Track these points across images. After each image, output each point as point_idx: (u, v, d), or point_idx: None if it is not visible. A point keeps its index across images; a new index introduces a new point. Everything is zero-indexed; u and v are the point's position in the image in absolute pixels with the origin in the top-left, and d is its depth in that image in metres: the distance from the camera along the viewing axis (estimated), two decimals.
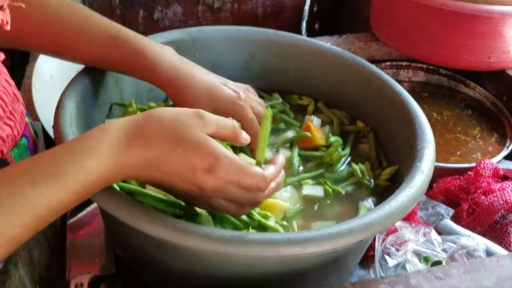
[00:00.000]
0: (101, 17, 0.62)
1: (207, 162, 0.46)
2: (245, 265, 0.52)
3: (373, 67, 0.77)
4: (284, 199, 0.63)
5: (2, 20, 0.44)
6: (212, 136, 0.48)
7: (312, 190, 0.66)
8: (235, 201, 0.49)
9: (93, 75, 0.67)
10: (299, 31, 1.64)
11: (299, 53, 0.83)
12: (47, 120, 0.73)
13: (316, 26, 1.55)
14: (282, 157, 0.54)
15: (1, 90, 0.51)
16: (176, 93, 0.62)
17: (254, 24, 1.58)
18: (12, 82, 0.55)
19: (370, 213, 0.51)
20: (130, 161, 0.44)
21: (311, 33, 1.56)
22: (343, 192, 0.65)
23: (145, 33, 1.56)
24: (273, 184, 0.51)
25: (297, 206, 0.64)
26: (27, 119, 0.59)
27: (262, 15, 1.59)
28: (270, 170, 0.50)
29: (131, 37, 0.61)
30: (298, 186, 0.67)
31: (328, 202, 0.65)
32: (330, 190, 0.65)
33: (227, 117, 0.57)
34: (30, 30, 0.57)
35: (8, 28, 0.45)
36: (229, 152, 0.48)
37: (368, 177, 0.67)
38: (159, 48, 0.62)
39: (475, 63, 0.90)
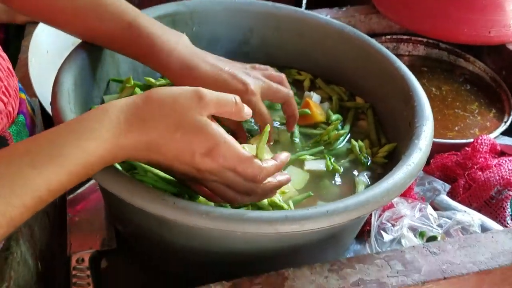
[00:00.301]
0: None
1: (206, 146, 0.46)
2: (243, 241, 0.53)
3: (373, 41, 0.76)
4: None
5: None
6: (214, 115, 0.48)
7: (314, 164, 0.67)
8: (232, 187, 0.50)
9: (90, 50, 0.66)
10: (298, 3, 1.61)
11: (298, 26, 0.82)
12: (44, 96, 0.73)
13: None
14: (286, 155, 0.54)
15: None
16: (180, 78, 0.62)
17: None
18: (5, 56, 0.55)
19: (367, 190, 0.52)
20: (130, 143, 0.45)
21: (310, 5, 1.53)
22: (341, 170, 0.65)
23: (142, 4, 1.54)
24: (273, 181, 0.52)
25: (302, 184, 0.64)
26: (23, 95, 0.58)
27: None
28: (269, 163, 0.50)
29: (147, 28, 0.61)
30: (300, 163, 0.67)
31: (329, 177, 0.66)
32: (331, 165, 0.65)
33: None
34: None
35: None
36: (229, 138, 0.48)
37: (366, 155, 0.67)
38: (173, 41, 0.62)
39: (475, 37, 0.89)
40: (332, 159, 0.66)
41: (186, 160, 0.46)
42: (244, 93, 0.61)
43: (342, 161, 0.67)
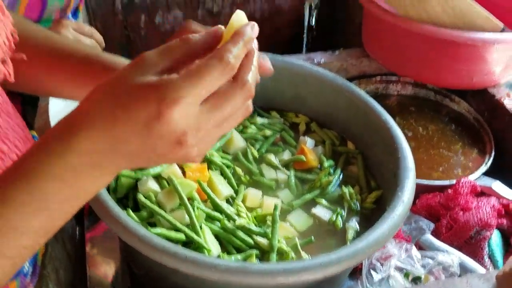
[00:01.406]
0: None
1: (151, 105, 0.36)
2: None
3: (362, 93, 0.83)
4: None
5: (5, 74, 0.46)
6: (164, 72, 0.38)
7: (322, 212, 0.73)
8: (220, 121, 0.39)
9: None
10: (295, 34, 1.69)
11: (293, 76, 0.89)
12: None
13: (314, 33, 1.60)
14: (247, 27, 0.40)
15: (15, 137, 0.50)
16: None
17: None
18: (25, 128, 0.56)
19: (356, 243, 0.59)
20: (79, 149, 0.38)
21: (307, 46, 1.61)
22: (340, 226, 0.71)
23: (147, 37, 1.62)
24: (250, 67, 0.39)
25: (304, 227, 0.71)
26: None
27: (260, 18, 1.63)
28: (230, 48, 0.38)
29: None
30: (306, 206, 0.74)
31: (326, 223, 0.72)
32: (334, 218, 0.71)
33: None
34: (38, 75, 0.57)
35: (12, 79, 0.47)
36: (173, 75, 0.37)
37: (355, 201, 0.74)
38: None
39: (458, 83, 0.97)
40: (339, 216, 0.72)
41: (149, 137, 0.37)
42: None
43: (338, 208, 0.74)
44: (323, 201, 0.74)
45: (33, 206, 0.38)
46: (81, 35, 0.90)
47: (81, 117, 0.38)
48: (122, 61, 0.57)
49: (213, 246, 0.64)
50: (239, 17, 0.42)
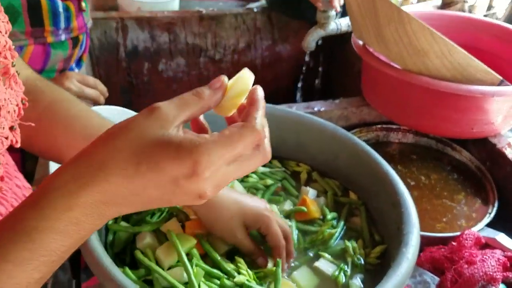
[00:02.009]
0: None
1: (184, 166, 0.37)
2: None
3: (363, 144, 0.83)
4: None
5: (12, 140, 0.46)
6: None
7: (325, 266, 0.71)
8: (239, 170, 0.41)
9: None
10: (295, 80, 1.72)
11: (295, 126, 0.89)
12: None
13: (316, 81, 1.63)
14: (259, 91, 0.44)
15: (13, 197, 0.51)
16: (207, 212, 0.65)
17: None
18: (26, 185, 0.58)
19: None
20: (89, 200, 0.37)
21: (306, 95, 1.64)
22: (343, 281, 0.70)
23: (150, 82, 1.64)
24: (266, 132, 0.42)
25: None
26: None
27: (260, 66, 1.67)
28: (256, 116, 0.41)
29: None
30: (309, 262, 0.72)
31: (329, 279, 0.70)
32: (336, 274, 0.70)
33: (255, 227, 0.64)
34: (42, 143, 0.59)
35: (18, 145, 0.47)
36: (203, 137, 0.38)
37: (359, 256, 0.73)
38: None
39: (459, 133, 0.97)
40: (343, 271, 0.70)
41: (175, 193, 0.38)
42: (265, 210, 0.67)
43: (341, 263, 0.72)
44: (326, 255, 0.72)
45: (35, 262, 0.38)
46: (85, 86, 0.91)
47: (93, 170, 0.37)
48: None
49: None
50: (246, 75, 0.44)
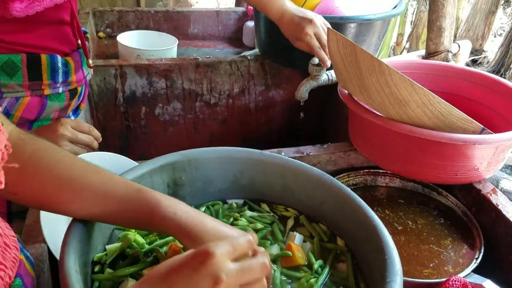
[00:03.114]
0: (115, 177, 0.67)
1: (209, 280, 0.48)
2: None
3: (348, 190, 0.85)
4: None
5: None
6: None
7: None
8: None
9: None
10: (288, 123, 1.75)
11: (282, 171, 0.92)
12: (53, 241, 0.80)
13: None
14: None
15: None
16: (193, 243, 0.65)
17: (247, 117, 1.71)
18: (7, 232, 0.59)
19: None
20: None
21: (295, 139, 1.68)
22: None
23: (147, 126, 1.67)
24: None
25: None
26: (21, 256, 0.62)
27: (254, 109, 1.71)
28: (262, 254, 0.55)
29: (151, 191, 0.67)
30: None
31: None
32: None
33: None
34: (29, 190, 0.62)
35: (2, 186, 0.49)
36: (224, 265, 0.49)
37: None
38: (173, 206, 0.67)
39: (443, 178, 0.99)
40: None
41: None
42: (247, 236, 0.67)
43: None
44: None
45: None
46: (78, 132, 0.94)
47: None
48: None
49: None
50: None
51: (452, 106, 0.89)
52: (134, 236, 0.78)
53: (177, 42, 1.71)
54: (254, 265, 0.53)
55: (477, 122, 0.92)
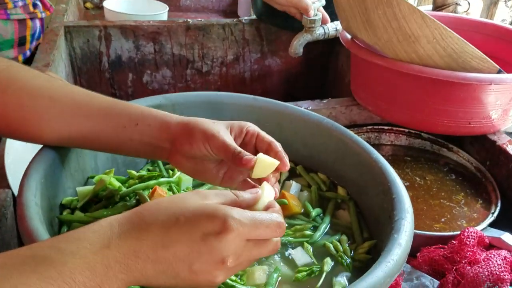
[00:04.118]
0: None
1: (217, 222, 0.42)
2: None
3: (350, 133, 0.76)
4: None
5: None
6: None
7: (300, 256, 0.63)
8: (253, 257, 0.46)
9: None
10: (284, 94, 1.66)
11: (278, 118, 0.83)
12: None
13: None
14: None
15: None
16: (188, 132, 0.59)
17: (241, 87, 1.62)
18: None
19: None
20: (125, 246, 0.40)
21: (296, 96, 1.59)
22: (316, 273, 0.61)
23: (134, 95, 1.58)
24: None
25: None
26: None
27: (249, 79, 1.62)
28: (279, 213, 0.49)
29: (137, 104, 0.63)
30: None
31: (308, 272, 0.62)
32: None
33: (241, 139, 0.59)
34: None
35: None
36: (236, 208, 0.45)
37: (342, 254, 0.64)
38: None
39: (455, 128, 0.90)
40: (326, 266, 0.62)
41: (201, 249, 0.41)
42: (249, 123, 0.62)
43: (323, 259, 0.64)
44: (308, 246, 0.64)
45: (55, 286, 0.37)
46: None
47: (137, 220, 0.42)
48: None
49: None
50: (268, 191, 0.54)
51: (467, 42, 0.80)
52: (110, 179, 0.68)
53: (167, 8, 1.62)
54: (263, 251, 0.47)
55: (493, 62, 0.83)
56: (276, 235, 0.47)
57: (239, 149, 0.56)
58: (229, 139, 0.58)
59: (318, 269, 0.61)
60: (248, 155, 0.55)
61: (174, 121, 0.60)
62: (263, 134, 0.61)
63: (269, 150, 0.59)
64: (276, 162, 0.57)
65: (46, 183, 0.60)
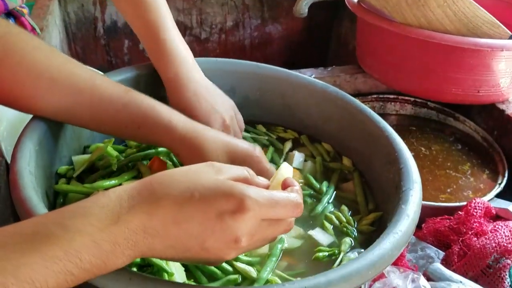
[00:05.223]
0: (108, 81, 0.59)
1: (233, 202, 0.40)
2: None
3: (356, 101, 0.73)
4: None
5: None
6: None
7: (322, 237, 0.62)
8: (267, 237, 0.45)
9: None
10: (286, 63, 1.62)
11: (281, 87, 0.80)
12: None
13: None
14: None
15: None
16: (191, 151, 0.57)
17: (241, 55, 1.58)
18: None
19: (350, 263, 0.47)
20: (134, 221, 0.38)
21: (297, 65, 1.55)
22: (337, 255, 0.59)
23: (131, 63, 1.54)
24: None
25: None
26: None
27: (249, 47, 1.57)
28: (299, 194, 0.46)
29: (141, 94, 0.59)
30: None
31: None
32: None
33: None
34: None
35: None
36: (253, 187, 0.43)
37: (347, 224, 0.62)
38: (168, 108, 0.59)
39: (463, 96, 0.87)
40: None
41: (215, 227, 0.40)
42: (254, 152, 0.59)
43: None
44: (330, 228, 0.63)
45: (60, 264, 0.35)
46: None
47: (147, 193, 0.39)
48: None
49: (176, 270, 0.52)
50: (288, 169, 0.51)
51: (479, 6, 0.77)
52: (106, 147, 0.66)
53: None
54: (277, 231, 0.45)
55: (505, 28, 0.80)
56: (293, 216, 0.45)
57: None
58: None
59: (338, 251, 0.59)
60: None
61: (179, 133, 0.57)
62: (264, 164, 0.59)
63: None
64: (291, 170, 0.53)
65: (41, 151, 0.57)
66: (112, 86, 0.58)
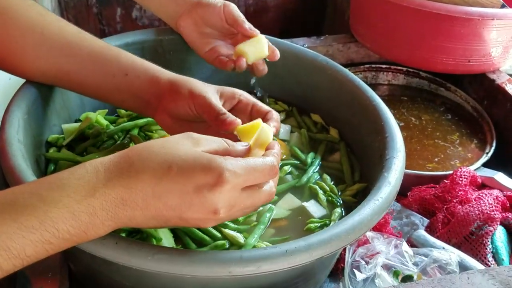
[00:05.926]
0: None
1: (211, 175, 0.40)
2: (198, 285, 0.49)
3: (345, 71, 0.74)
4: None
5: None
6: None
7: (316, 209, 0.63)
8: (251, 204, 0.45)
9: None
10: (282, 32, 1.61)
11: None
12: None
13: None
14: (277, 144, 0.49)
15: None
16: (177, 95, 0.56)
17: None
18: None
19: (331, 228, 0.48)
20: (112, 194, 0.39)
21: (293, 34, 1.53)
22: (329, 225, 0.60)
23: (123, 31, 1.52)
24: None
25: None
26: None
27: (244, 15, 1.55)
28: (275, 155, 0.46)
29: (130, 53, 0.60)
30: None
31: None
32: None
33: (231, 105, 0.56)
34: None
35: None
36: (229, 157, 0.43)
37: (333, 195, 0.63)
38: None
39: (454, 66, 0.87)
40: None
41: (194, 200, 0.40)
42: (240, 90, 0.58)
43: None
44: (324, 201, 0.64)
45: (37, 234, 0.36)
46: None
47: (125, 166, 0.40)
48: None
49: (165, 236, 0.53)
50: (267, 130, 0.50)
51: None
52: (96, 116, 0.66)
53: None
54: (258, 200, 0.45)
55: None
56: (268, 179, 0.45)
57: (224, 110, 0.53)
58: (215, 101, 0.54)
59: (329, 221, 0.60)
60: (232, 117, 0.52)
61: (165, 76, 0.57)
62: (260, 104, 0.57)
63: (266, 120, 0.55)
64: (272, 129, 0.52)
65: (30, 119, 0.58)
66: (101, 41, 0.59)
